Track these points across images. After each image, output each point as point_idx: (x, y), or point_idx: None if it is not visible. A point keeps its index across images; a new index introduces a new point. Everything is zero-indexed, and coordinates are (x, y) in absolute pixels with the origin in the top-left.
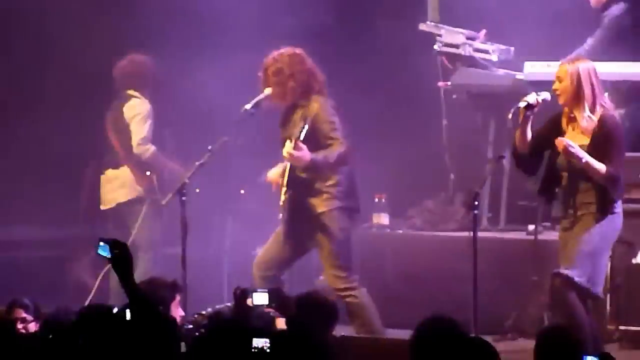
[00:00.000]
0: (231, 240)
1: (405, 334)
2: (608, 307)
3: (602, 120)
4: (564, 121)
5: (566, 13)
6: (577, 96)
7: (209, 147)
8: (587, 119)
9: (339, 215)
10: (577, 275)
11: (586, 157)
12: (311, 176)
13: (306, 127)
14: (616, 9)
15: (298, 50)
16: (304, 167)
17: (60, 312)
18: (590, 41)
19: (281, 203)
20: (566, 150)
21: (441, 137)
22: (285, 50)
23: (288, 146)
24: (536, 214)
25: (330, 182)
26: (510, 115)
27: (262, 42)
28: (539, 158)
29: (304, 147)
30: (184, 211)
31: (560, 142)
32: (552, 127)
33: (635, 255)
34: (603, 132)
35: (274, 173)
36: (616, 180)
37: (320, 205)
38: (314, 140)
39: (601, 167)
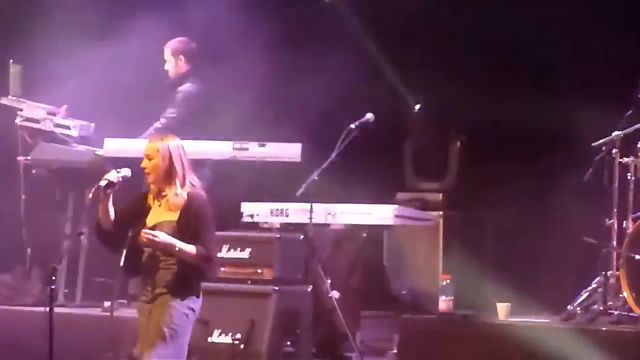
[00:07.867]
0: None
1: None
2: None
3: (190, 198)
4: (149, 198)
5: (148, 88)
6: (168, 173)
7: None
8: (177, 196)
9: None
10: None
11: (177, 244)
12: None
13: None
14: (190, 87)
15: None
16: None
17: None
18: (164, 118)
19: None
20: (153, 243)
21: (19, 212)
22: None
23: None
24: (113, 291)
25: None
26: (91, 195)
27: None
28: (123, 234)
29: None
30: None
31: (144, 236)
32: (137, 205)
33: (211, 334)
34: (193, 210)
35: None
36: (210, 259)
37: None
38: None
39: (191, 249)
